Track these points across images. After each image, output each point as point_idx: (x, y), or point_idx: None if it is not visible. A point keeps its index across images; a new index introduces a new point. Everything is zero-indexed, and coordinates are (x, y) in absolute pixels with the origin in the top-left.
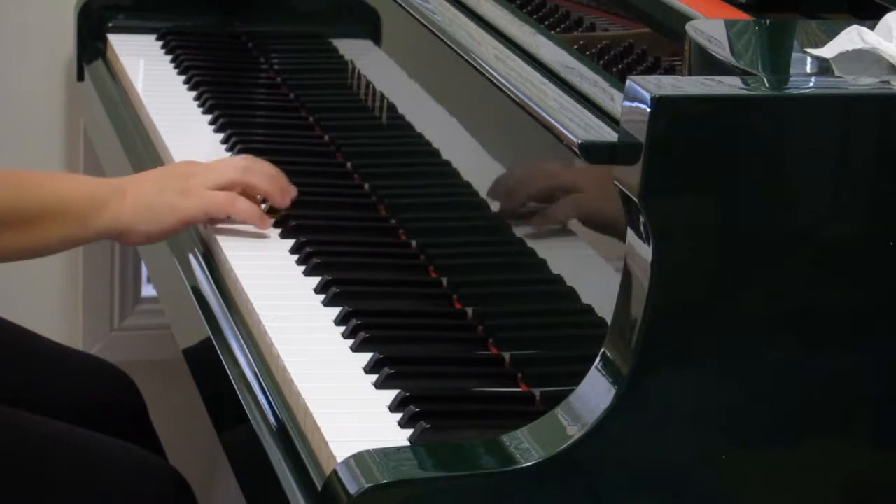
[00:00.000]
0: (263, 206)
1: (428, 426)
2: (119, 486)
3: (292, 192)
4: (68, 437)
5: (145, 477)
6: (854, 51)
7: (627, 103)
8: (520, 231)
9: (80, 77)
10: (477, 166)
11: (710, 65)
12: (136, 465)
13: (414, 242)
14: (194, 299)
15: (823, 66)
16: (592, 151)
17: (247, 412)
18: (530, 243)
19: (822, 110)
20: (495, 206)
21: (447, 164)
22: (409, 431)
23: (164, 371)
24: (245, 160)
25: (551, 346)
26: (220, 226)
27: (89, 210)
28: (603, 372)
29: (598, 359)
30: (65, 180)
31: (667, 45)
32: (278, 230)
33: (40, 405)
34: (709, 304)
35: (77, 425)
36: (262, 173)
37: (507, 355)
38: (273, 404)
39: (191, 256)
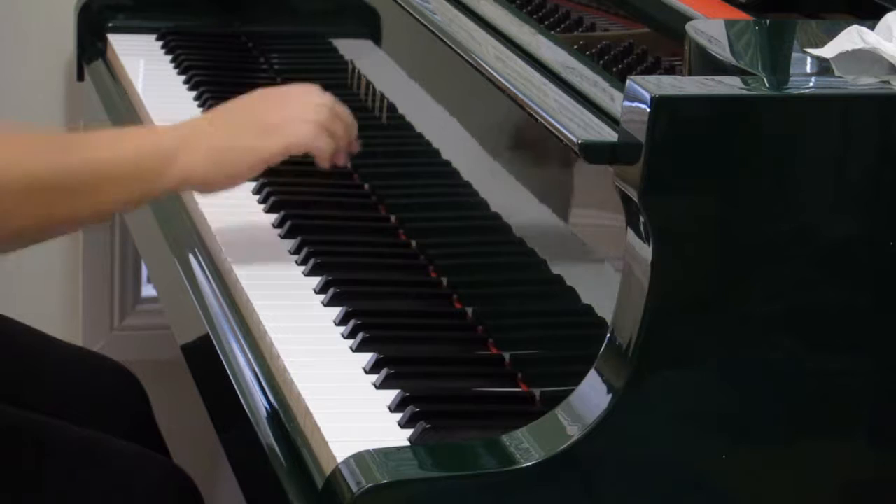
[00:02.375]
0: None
1: (428, 426)
2: (123, 485)
3: (356, 147)
4: (71, 435)
5: (149, 476)
6: (854, 51)
7: (627, 103)
8: (520, 231)
9: (80, 77)
10: (477, 166)
11: (710, 65)
12: (140, 464)
13: (414, 242)
14: (194, 299)
15: (823, 66)
16: (592, 151)
17: (247, 412)
18: (530, 243)
19: (822, 110)
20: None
21: (447, 164)
22: (409, 431)
23: (164, 371)
24: (328, 99)
25: (551, 346)
26: (220, 226)
27: (158, 166)
28: (603, 372)
29: (597, 359)
30: (128, 137)
31: (667, 45)
32: (278, 230)
33: (43, 403)
34: (709, 303)
35: (80, 424)
36: (342, 120)
37: (507, 355)
38: (273, 404)
39: (191, 256)
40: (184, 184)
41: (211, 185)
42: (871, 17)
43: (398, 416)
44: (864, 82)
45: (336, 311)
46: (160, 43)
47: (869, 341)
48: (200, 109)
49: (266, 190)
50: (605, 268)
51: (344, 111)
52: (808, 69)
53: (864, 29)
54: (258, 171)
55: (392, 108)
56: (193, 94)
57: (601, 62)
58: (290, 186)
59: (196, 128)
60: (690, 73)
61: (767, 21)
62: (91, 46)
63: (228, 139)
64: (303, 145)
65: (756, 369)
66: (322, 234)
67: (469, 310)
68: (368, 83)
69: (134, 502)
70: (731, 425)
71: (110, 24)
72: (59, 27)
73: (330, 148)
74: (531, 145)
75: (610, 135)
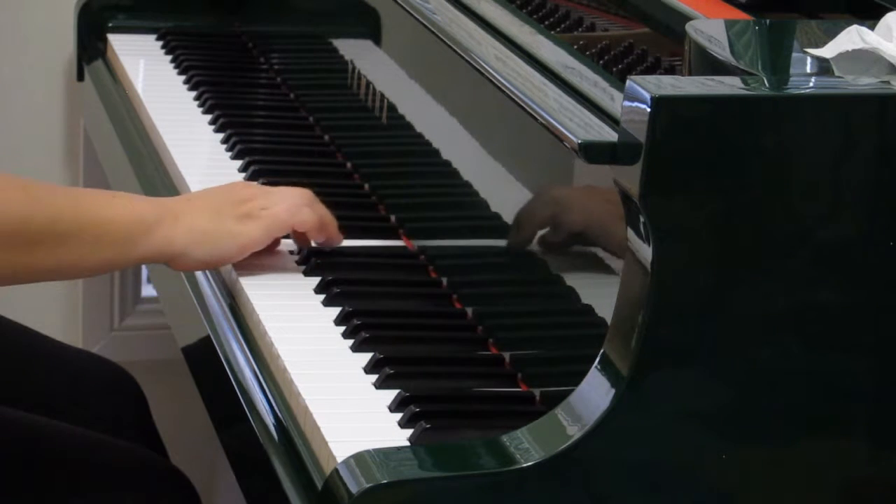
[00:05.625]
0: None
1: (428, 426)
2: (121, 485)
3: (338, 242)
4: (69, 436)
5: (147, 477)
6: (854, 51)
7: (627, 103)
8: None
9: (80, 77)
10: (477, 166)
11: (710, 65)
12: (138, 464)
13: (414, 242)
14: (194, 299)
15: (823, 66)
16: (592, 151)
17: (247, 412)
18: (530, 244)
19: (822, 110)
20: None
21: (447, 164)
22: (409, 431)
23: (164, 371)
24: (309, 194)
25: (551, 346)
26: None
27: (135, 233)
28: (603, 372)
29: (597, 359)
30: (107, 200)
31: (667, 45)
32: None
33: (41, 404)
34: (709, 303)
35: (79, 424)
36: (321, 212)
37: (507, 355)
38: (273, 404)
39: None
40: (159, 255)
41: (187, 261)
42: (871, 17)
43: (398, 416)
44: (864, 82)
45: (336, 311)
46: (160, 43)
47: (869, 341)
48: (200, 109)
49: None
50: (605, 268)
51: (323, 208)
52: (808, 69)
53: (864, 29)
54: (238, 257)
55: (392, 108)
56: (193, 94)
57: (601, 62)
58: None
59: (177, 203)
60: (690, 73)
61: (767, 21)
62: (91, 46)
63: (210, 220)
64: (285, 223)
65: (756, 369)
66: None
67: (469, 310)
68: (368, 83)
69: (133, 502)
70: (731, 425)
71: (110, 24)
72: (59, 27)
73: (312, 219)
74: (531, 145)
75: (610, 135)
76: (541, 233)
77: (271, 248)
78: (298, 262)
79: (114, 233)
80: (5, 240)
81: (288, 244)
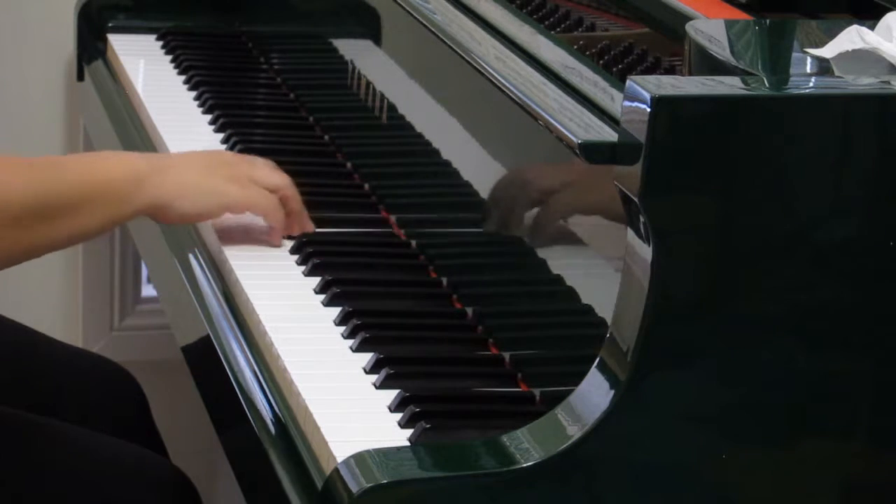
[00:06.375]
0: None
1: (428, 426)
2: (121, 485)
3: (308, 228)
4: (69, 436)
5: (148, 477)
6: (854, 51)
7: (627, 103)
8: (519, 231)
9: (80, 77)
10: (477, 166)
11: (710, 65)
12: (139, 464)
13: (414, 242)
14: (194, 299)
15: (823, 66)
16: (592, 151)
17: (247, 412)
18: (530, 243)
19: (822, 110)
20: (498, 212)
21: (447, 164)
22: (409, 431)
23: (164, 371)
24: (291, 182)
25: (551, 346)
26: (220, 226)
27: (132, 188)
28: (603, 372)
29: (597, 359)
30: (106, 160)
31: (667, 45)
32: None
33: (41, 404)
34: (708, 304)
35: (79, 424)
36: (299, 203)
37: (507, 355)
38: (273, 404)
39: (191, 256)
40: (150, 206)
41: (171, 214)
42: (871, 17)
43: (398, 416)
44: (864, 82)
45: (336, 311)
46: (160, 43)
47: (869, 341)
48: (200, 109)
49: None
50: (605, 268)
51: (299, 202)
52: (808, 69)
53: (864, 29)
54: (218, 214)
55: (392, 108)
56: (193, 94)
57: (601, 62)
58: None
59: (167, 158)
60: (690, 73)
61: (767, 21)
62: (91, 46)
63: (199, 175)
64: (261, 204)
65: (756, 369)
66: (322, 233)
67: (469, 310)
68: (368, 83)
69: (133, 502)
70: (731, 425)
71: (110, 24)
72: (59, 27)
73: (280, 220)
74: (531, 145)
75: (610, 135)
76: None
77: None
78: (298, 263)
79: (115, 190)
80: (29, 218)
81: (288, 244)
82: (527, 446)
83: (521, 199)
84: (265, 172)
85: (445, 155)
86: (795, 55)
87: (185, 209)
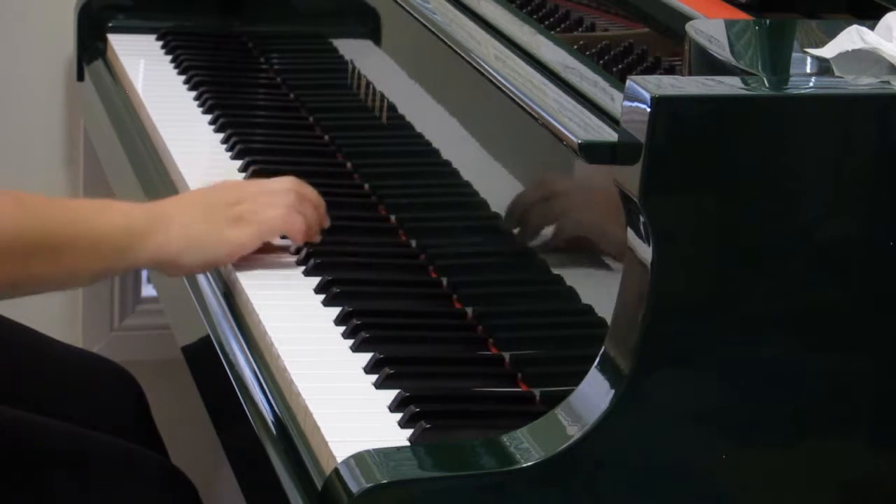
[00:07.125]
0: None
1: (428, 426)
2: (121, 485)
3: (326, 223)
4: (69, 436)
5: (147, 477)
6: (854, 51)
7: (627, 103)
8: (520, 231)
9: (80, 77)
10: (477, 166)
11: (710, 65)
12: (139, 464)
13: (414, 242)
14: (194, 299)
15: (823, 66)
16: (592, 151)
17: (247, 412)
18: (530, 243)
19: (822, 110)
20: (499, 212)
21: (447, 164)
22: (409, 431)
23: (164, 371)
24: (293, 183)
25: (551, 346)
26: None
27: (129, 241)
28: (603, 372)
29: (597, 359)
30: (106, 208)
31: (667, 45)
32: None
33: (42, 404)
34: (708, 304)
35: (79, 424)
36: (310, 201)
37: (507, 355)
38: (273, 404)
39: None
40: (153, 261)
41: (180, 268)
42: (871, 17)
43: (398, 416)
44: (864, 82)
45: (336, 311)
46: (160, 43)
47: (869, 341)
48: (200, 109)
49: None
50: (605, 268)
51: (311, 192)
52: (808, 69)
53: (864, 29)
54: (229, 261)
55: (392, 108)
56: (193, 94)
57: (601, 62)
58: None
59: (168, 207)
60: (690, 73)
61: (767, 21)
62: (91, 46)
63: (202, 224)
64: (276, 229)
65: (756, 369)
66: (322, 233)
67: (469, 310)
68: (368, 83)
69: (133, 502)
70: (731, 425)
71: (110, 24)
72: (59, 27)
73: (302, 226)
74: (531, 145)
75: (610, 135)
76: (536, 221)
77: (264, 249)
78: (298, 262)
79: (108, 242)
80: (6, 251)
81: (288, 244)
82: (527, 446)
83: (523, 200)
84: (266, 201)
85: (445, 155)
86: (795, 55)
87: (194, 262)
